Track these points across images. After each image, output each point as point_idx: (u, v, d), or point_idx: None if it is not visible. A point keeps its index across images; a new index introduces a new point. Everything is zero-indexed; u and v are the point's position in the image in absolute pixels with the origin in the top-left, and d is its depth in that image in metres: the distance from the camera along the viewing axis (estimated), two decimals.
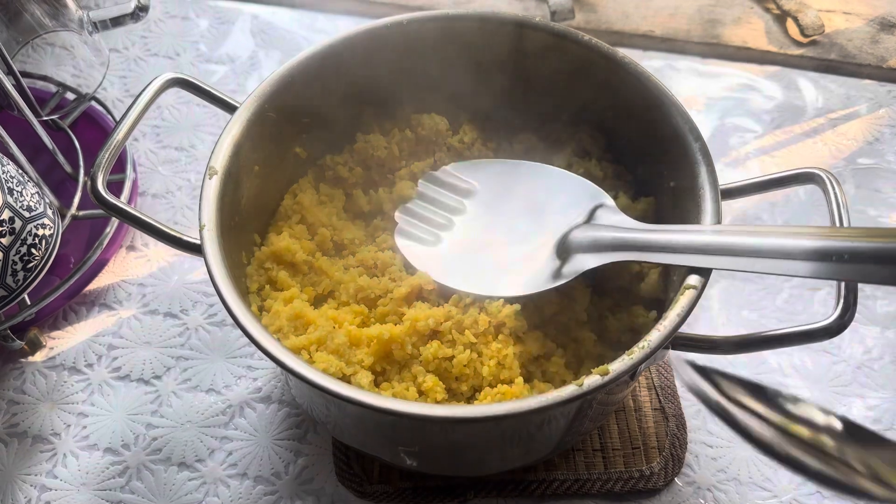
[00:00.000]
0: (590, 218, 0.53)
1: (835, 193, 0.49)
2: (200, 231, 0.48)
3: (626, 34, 0.84)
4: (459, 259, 0.55)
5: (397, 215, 0.58)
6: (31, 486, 0.58)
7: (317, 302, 0.56)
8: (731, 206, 0.72)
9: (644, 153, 0.57)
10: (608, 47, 0.56)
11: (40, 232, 0.58)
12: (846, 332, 0.63)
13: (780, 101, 0.80)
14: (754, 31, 0.84)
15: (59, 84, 0.75)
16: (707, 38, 0.84)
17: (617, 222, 0.51)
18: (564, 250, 0.52)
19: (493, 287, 0.53)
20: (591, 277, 0.54)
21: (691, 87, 0.81)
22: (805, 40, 0.83)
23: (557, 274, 0.51)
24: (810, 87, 0.81)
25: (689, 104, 0.80)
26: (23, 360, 0.64)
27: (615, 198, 0.57)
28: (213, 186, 0.50)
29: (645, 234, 0.49)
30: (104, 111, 0.75)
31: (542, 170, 0.58)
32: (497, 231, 0.56)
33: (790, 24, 0.84)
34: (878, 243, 0.38)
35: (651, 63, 0.83)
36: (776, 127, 0.78)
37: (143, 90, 0.53)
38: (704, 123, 0.78)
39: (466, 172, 0.59)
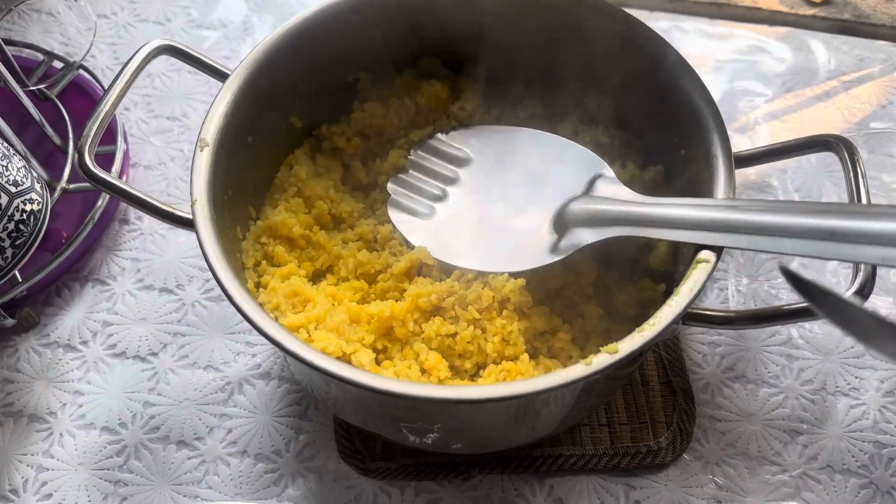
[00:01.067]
0: (588, 189, 0.51)
1: (851, 161, 0.47)
2: (192, 206, 0.46)
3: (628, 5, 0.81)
4: (454, 233, 0.54)
5: (390, 186, 0.56)
6: (28, 465, 0.57)
7: (315, 277, 0.54)
8: (740, 173, 0.70)
9: (653, 120, 0.55)
10: (616, 7, 0.54)
11: (28, 207, 0.56)
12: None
13: (791, 63, 0.78)
14: None
15: (45, 52, 0.73)
16: None
17: (615, 194, 0.49)
18: (562, 224, 0.50)
19: (488, 262, 0.51)
20: (598, 250, 0.52)
21: (699, 49, 0.79)
22: (818, 0, 0.80)
23: (555, 248, 0.50)
24: (822, 49, 0.78)
25: (697, 67, 0.76)
26: (16, 337, 0.63)
27: (623, 167, 0.56)
28: (204, 159, 0.48)
29: (644, 207, 0.47)
30: (93, 80, 0.73)
31: (540, 137, 0.55)
32: (493, 202, 0.54)
33: None
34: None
35: (657, 24, 0.80)
36: (787, 91, 0.76)
37: (131, 59, 0.51)
38: (713, 87, 0.75)
39: (461, 140, 0.57)
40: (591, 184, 0.51)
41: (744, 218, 0.42)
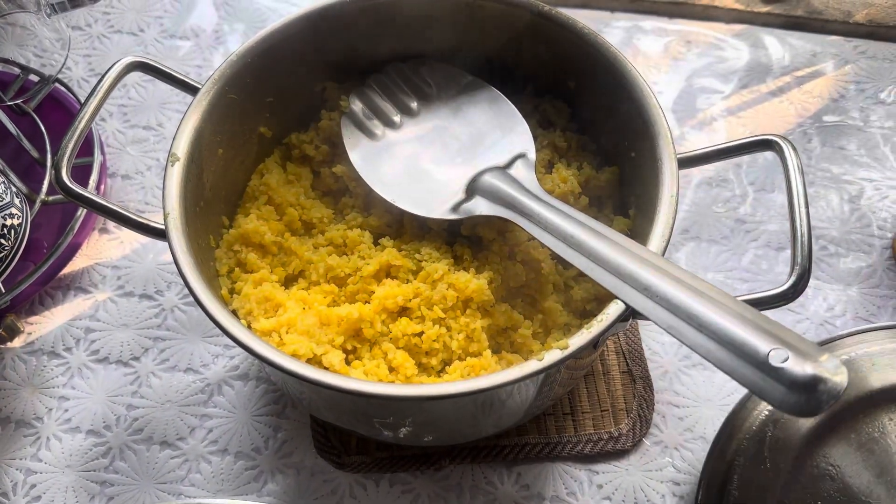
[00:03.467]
0: (509, 165, 0.54)
1: (791, 160, 0.50)
2: (165, 219, 0.48)
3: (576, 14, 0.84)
4: (388, 161, 0.57)
5: (351, 98, 0.59)
6: (17, 469, 0.60)
7: (287, 282, 0.57)
8: (699, 170, 0.73)
9: (607, 124, 0.57)
10: (566, 16, 0.56)
11: (8, 222, 0.58)
12: (809, 289, 0.66)
13: (747, 60, 0.80)
14: None
15: (21, 67, 0.74)
16: None
17: (523, 179, 0.52)
18: (472, 188, 0.53)
19: (401, 198, 0.54)
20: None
21: (658, 47, 0.81)
22: None
23: (456, 208, 0.53)
24: (776, 45, 0.81)
25: (657, 65, 0.80)
26: (1, 346, 0.65)
27: (579, 168, 0.58)
28: (175, 173, 0.50)
29: (537, 204, 0.49)
30: (68, 93, 0.75)
31: (498, 100, 0.58)
32: (432, 144, 0.57)
33: None
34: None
35: (618, 24, 0.82)
36: (743, 87, 0.79)
37: (103, 77, 0.53)
38: (671, 85, 0.79)
39: (432, 74, 0.60)
40: (512, 161, 0.54)
41: (586, 240, 0.45)
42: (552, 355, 0.43)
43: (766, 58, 0.80)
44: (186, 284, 0.46)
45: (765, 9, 0.83)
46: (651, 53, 0.81)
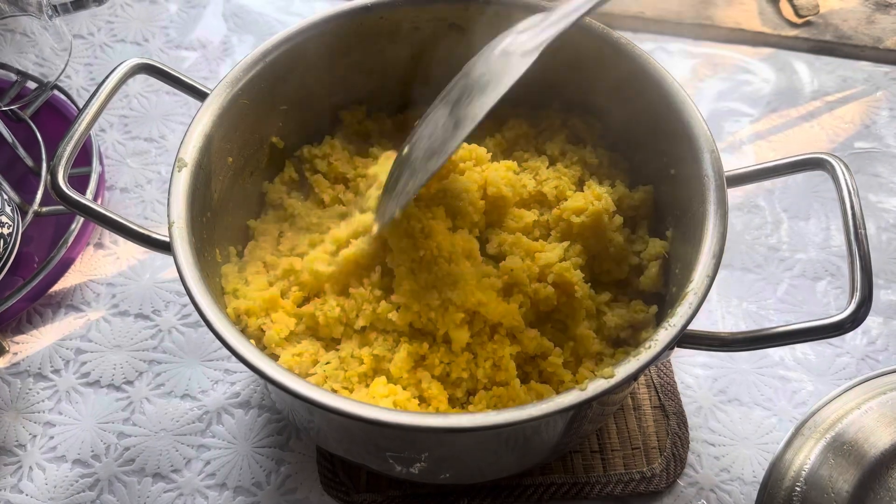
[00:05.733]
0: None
1: (845, 180, 0.46)
2: (170, 228, 0.44)
3: (616, 16, 0.81)
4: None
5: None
6: None
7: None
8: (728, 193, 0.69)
9: (642, 140, 0.54)
10: (601, 27, 0.53)
11: None
12: None
13: (775, 83, 0.78)
14: (747, 11, 0.82)
15: (18, 72, 0.71)
16: (699, 20, 0.81)
17: None
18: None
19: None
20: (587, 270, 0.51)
21: (683, 70, 0.79)
22: (799, 21, 0.81)
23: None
24: (805, 70, 0.79)
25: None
26: None
27: (612, 186, 0.55)
28: (182, 180, 0.46)
29: None
30: (68, 101, 0.71)
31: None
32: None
33: (784, 4, 0.82)
34: None
35: (643, 46, 0.79)
36: (772, 111, 0.76)
37: (107, 77, 0.49)
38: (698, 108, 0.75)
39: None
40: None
41: None
42: (597, 385, 0.39)
43: (795, 81, 0.78)
44: (191, 298, 0.42)
45: (792, 32, 0.80)
46: (676, 76, 0.77)
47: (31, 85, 0.70)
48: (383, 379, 0.46)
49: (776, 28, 0.81)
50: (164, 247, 0.45)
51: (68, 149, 0.47)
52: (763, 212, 0.69)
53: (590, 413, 0.47)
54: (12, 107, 0.66)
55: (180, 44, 0.80)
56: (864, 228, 0.45)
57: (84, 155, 0.67)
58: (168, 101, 0.75)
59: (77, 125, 0.47)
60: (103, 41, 0.80)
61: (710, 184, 0.47)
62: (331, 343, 0.50)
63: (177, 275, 0.43)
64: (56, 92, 0.71)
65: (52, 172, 0.46)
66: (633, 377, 0.39)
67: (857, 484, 0.50)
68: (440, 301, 0.47)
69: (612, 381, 0.39)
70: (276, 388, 0.40)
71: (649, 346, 0.40)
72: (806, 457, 0.52)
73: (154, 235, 0.46)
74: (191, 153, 0.47)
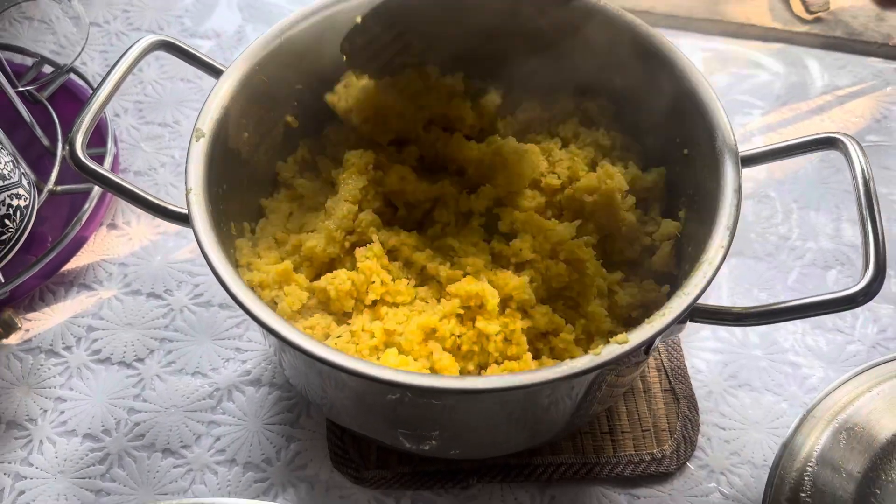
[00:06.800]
0: None
1: (857, 156, 0.47)
2: (187, 195, 0.45)
3: (627, 11, 0.81)
4: None
5: None
6: (5, 474, 0.55)
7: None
8: None
9: (655, 121, 0.54)
10: (615, 10, 0.54)
11: (14, 202, 0.54)
12: (860, 309, 0.62)
13: (785, 78, 0.78)
14: (758, 7, 0.82)
15: (35, 56, 0.72)
16: (710, 15, 0.81)
17: None
18: None
19: None
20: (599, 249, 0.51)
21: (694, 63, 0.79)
22: (810, 17, 0.81)
23: None
24: (815, 65, 0.79)
25: None
26: None
27: (625, 167, 0.55)
28: (199, 149, 0.47)
29: None
30: (85, 84, 0.72)
31: None
32: None
33: (794, 0, 0.82)
34: None
35: None
36: (782, 104, 0.76)
37: (126, 51, 0.50)
38: None
39: None
40: None
41: None
42: (610, 349, 0.39)
43: (806, 76, 0.78)
44: (208, 262, 0.42)
45: (802, 28, 0.81)
46: None
47: (48, 69, 0.71)
48: (394, 351, 0.47)
49: (786, 24, 0.81)
50: (181, 218, 0.46)
51: (87, 119, 0.47)
52: (773, 202, 0.69)
53: (599, 393, 0.47)
54: (30, 87, 0.66)
55: (195, 33, 0.81)
56: (878, 202, 0.45)
57: (99, 136, 0.67)
58: (182, 88, 0.76)
59: (97, 96, 0.48)
60: (119, 29, 0.81)
61: (724, 159, 0.47)
62: (342, 317, 0.51)
63: (188, 255, 0.43)
64: (73, 76, 0.71)
65: (71, 142, 0.46)
66: (647, 343, 0.39)
67: (868, 465, 0.50)
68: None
69: (627, 347, 0.39)
70: (292, 351, 0.40)
71: (663, 314, 0.40)
72: (816, 439, 0.52)
73: (171, 207, 0.47)
74: (208, 124, 0.48)
